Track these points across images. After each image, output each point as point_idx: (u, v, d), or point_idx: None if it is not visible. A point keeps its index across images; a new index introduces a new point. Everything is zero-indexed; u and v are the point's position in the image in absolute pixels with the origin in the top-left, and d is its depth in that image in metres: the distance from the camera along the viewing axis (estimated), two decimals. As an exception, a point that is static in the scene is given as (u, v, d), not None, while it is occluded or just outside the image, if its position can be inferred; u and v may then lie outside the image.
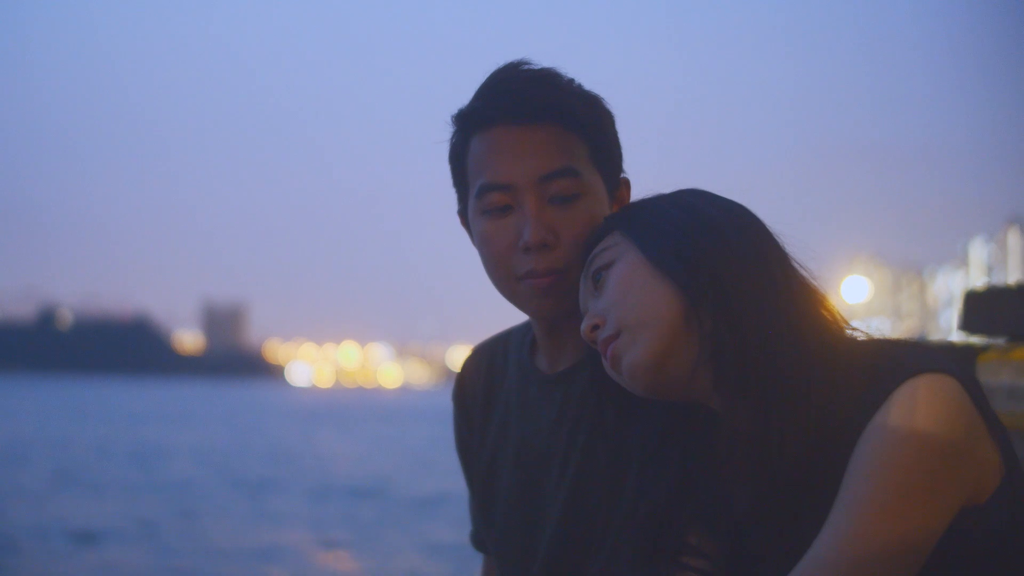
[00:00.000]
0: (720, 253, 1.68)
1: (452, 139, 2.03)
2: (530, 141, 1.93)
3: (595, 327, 1.74)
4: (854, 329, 1.70)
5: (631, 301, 1.69)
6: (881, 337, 1.69)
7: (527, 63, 1.99)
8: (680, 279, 1.67)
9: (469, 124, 1.99)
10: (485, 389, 2.25)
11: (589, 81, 2.01)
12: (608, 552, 1.87)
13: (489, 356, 2.27)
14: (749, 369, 1.62)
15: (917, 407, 1.52)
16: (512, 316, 2.13)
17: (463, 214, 2.06)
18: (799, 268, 1.72)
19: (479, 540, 2.32)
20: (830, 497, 1.55)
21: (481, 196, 1.96)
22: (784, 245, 1.73)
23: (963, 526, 1.54)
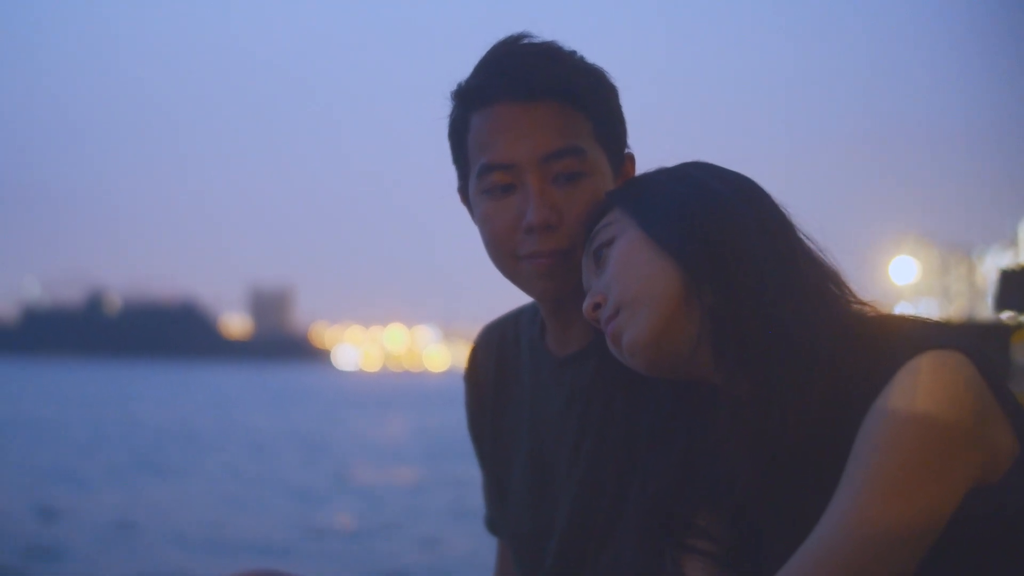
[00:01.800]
0: (721, 226, 1.64)
1: (451, 115, 1.99)
2: (532, 119, 1.88)
3: (597, 305, 1.71)
4: (863, 303, 1.65)
5: (631, 278, 1.66)
6: (891, 312, 1.65)
7: (527, 36, 1.93)
8: (680, 254, 1.63)
9: (469, 101, 1.94)
10: (496, 370, 2.22)
11: (593, 51, 1.95)
12: (620, 535, 1.84)
13: (500, 336, 2.24)
14: (749, 344, 1.59)
15: (924, 384, 1.47)
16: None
17: (463, 191, 2.02)
18: (806, 240, 1.68)
19: (493, 524, 2.30)
20: (835, 476, 1.51)
21: (482, 176, 1.92)
22: (790, 217, 1.69)
23: (974, 507, 1.49)
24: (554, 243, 1.88)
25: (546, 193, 1.87)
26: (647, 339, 1.64)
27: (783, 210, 1.70)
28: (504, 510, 2.20)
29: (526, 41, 1.93)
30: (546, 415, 2.08)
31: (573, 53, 1.94)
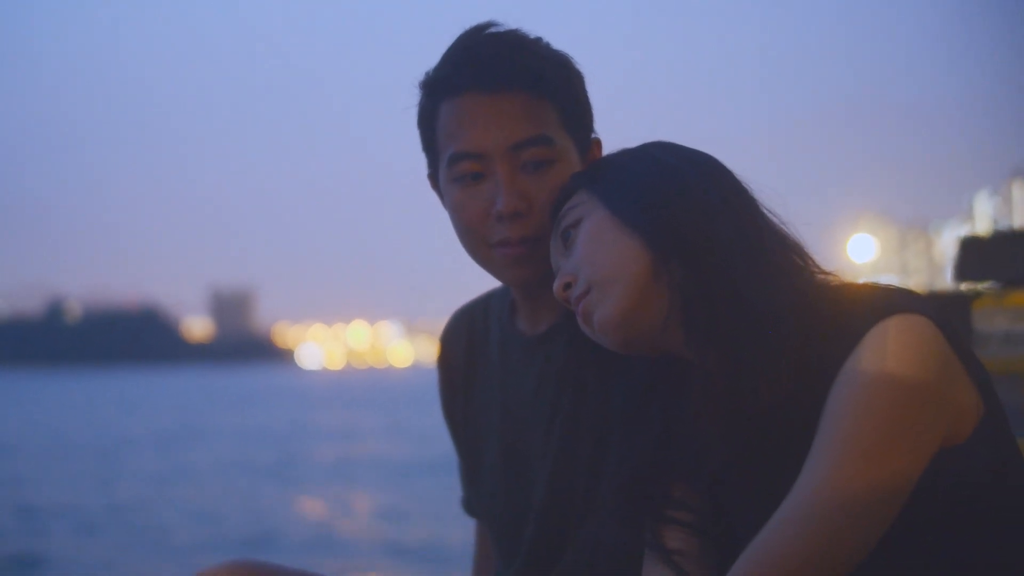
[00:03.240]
0: (685, 203, 1.67)
1: (420, 104, 2.01)
2: (501, 109, 1.91)
3: (567, 286, 1.73)
4: (827, 274, 1.68)
5: (599, 257, 1.69)
6: (854, 281, 1.67)
7: (494, 25, 1.96)
8: (646, 232, 1.66)
9: (437, 91, 1.97)
10: (467, 353, 2.25)
11: (557, 33, 1.98)
12: (597, 511, 1.87)
13: (469, 320, 2.27)
14: (718, 318, 1.61)
15: (888, 348, 1.50)
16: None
17: (433, 178, 2.05)
18: (769, 214, 1.71)
19: (470, 506, 2.33)
20: (807, 443, 1.54)
21: (452, 164, 1.95)
22: (753, 192, 1.72)
23: (941, 467, 1.52)
24: (524, 230, 1.91)
25: (516, 181, 1.90)
26: (618, 317, 1.66)
27: (745, 185, 1.72)
28: (479, 492, 2.23)
29: (492, 30, 1.96)
30: (518, 395, 2.11)
31: (538, 40, 1.97)
